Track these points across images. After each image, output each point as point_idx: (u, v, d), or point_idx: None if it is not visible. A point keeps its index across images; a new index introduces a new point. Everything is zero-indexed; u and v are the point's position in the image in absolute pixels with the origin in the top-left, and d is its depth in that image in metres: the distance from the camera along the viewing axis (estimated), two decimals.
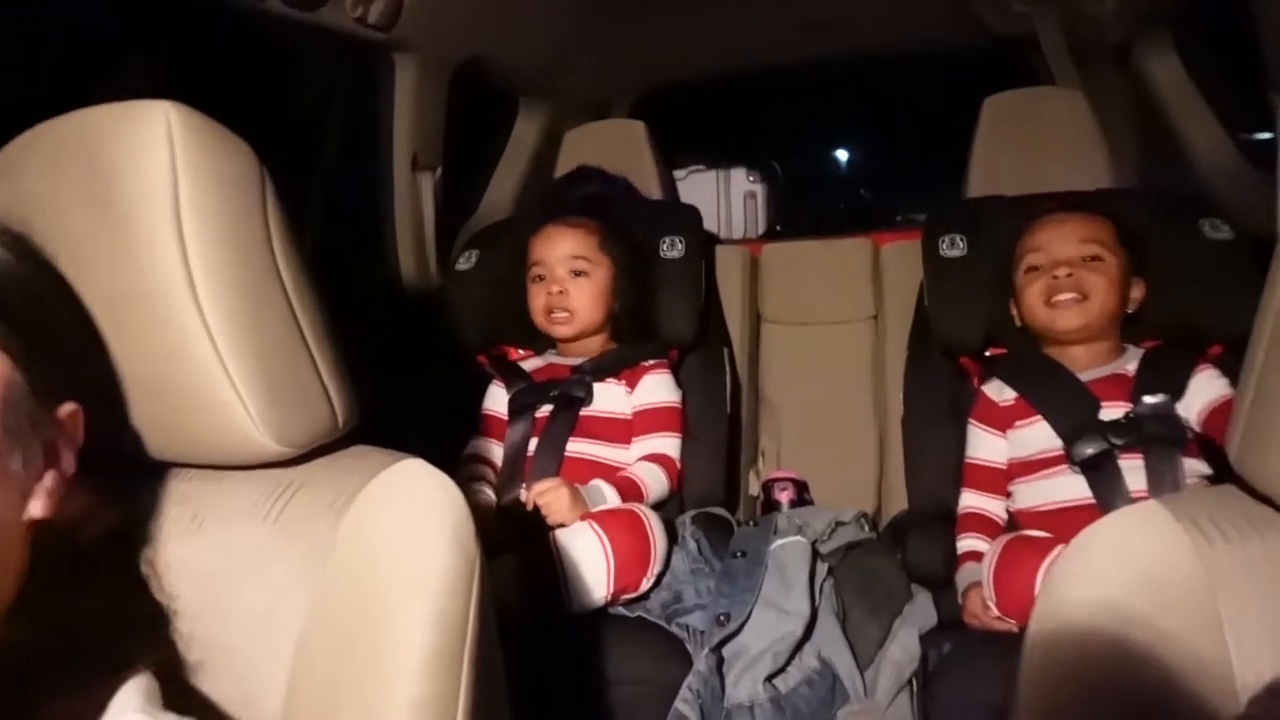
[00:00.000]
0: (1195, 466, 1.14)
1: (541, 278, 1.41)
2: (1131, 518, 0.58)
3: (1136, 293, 1.26)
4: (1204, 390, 1.17)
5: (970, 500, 1.27)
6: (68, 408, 0.51)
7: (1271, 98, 1.37)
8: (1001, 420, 1.27)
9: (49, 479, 0.49)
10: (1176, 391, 1.17)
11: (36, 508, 0.48)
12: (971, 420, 1.31)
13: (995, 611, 1.08)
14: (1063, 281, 1.22)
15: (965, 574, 1.19)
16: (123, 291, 0.55)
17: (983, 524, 1.24)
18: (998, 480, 1.26)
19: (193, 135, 0.55)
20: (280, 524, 0.59)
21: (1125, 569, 0.55)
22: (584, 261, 1.39)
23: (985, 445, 1.28)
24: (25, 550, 0.48)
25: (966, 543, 1.23)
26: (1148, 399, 1.17)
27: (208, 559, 0.60)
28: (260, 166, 0.60)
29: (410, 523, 0.56)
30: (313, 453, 0.63)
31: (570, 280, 1.39)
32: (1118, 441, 1.14)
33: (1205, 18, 1.65)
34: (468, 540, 0.57)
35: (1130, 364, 1.23)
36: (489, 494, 1.33)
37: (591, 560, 1.11)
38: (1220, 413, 1.13)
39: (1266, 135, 1.89)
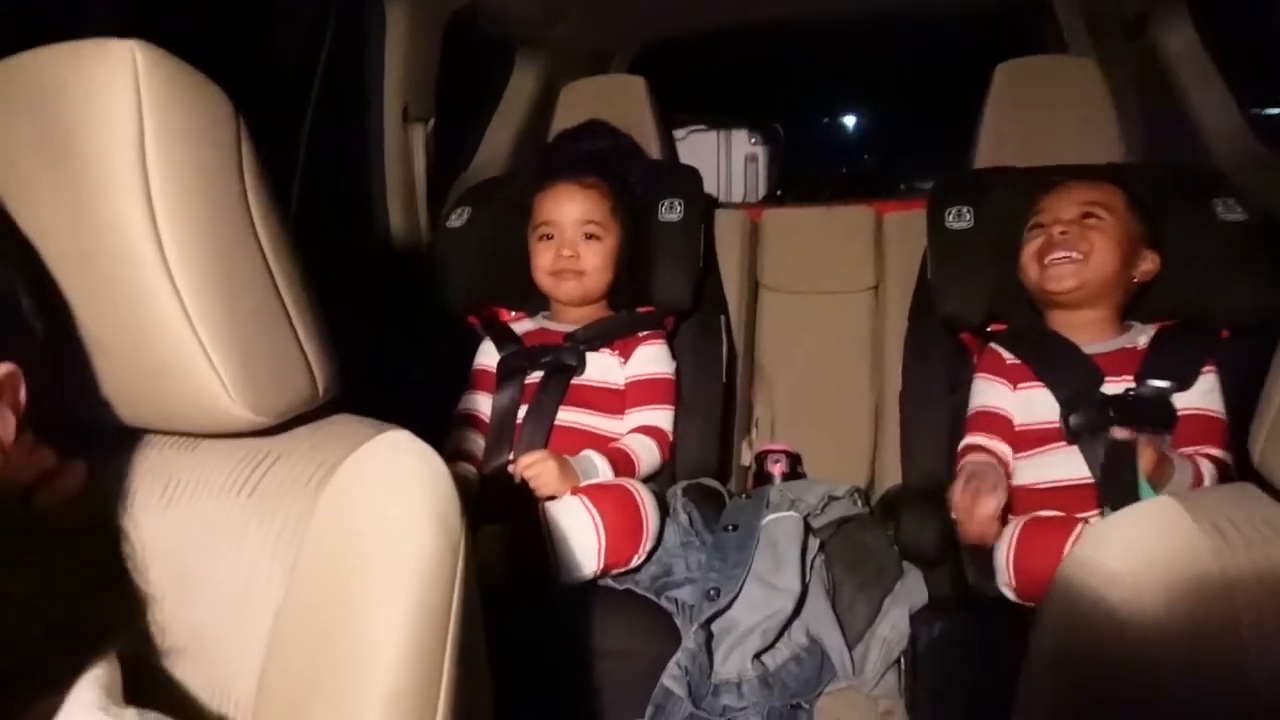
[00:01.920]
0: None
1: (550, 237, 1.36)
2: (1146, 516, 0.55)
3: (1148, 265, 1.22)
4: (1194, 395, 1.15)
5: (972, 439, 1.24)
6: (4, 368, 0.47)
7: None
8: (1011, 375, 1.24)
9: None
10: (1185, 381, 1.15)
11: None
12: (979, 374, 1.28)
13: (980, 524, 1.07)
14: (1057, 238, 1.20)
15: (967, 463, 1.17)
16: (83, 248, 0.51)
17: (977, 449, 1.22)
18: (1004, 427, 1.22)
19: (161, 78, 0.51)
20: (256, 497, 0.56)
21: (1139, 569, 0.53)
22: (596, 226, 1.35)
23: (993, 393, 1.25)
24: None
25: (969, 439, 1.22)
26: (1154, 381, 1.15)
27: (179, 533, 0.57)
28: (236, 114, 0.56)
29: (392, 501, 0.53)
30: (292, 421, 0.59)
31: (582, 243, 1.35)
32: (1115, 415, 1.13)
33: None
34: (452, 519, 0.54)
35: (1141, 338, 1.21)
36: (472, 467, 1.30)
37: (582, 536, 1.09)
38: (1190, 423, 1.13)
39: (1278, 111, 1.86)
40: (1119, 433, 1.11)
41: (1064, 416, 1.16)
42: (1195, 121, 1.66)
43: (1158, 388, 1.15)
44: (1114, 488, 1.06)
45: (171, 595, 0.54)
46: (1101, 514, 1.08)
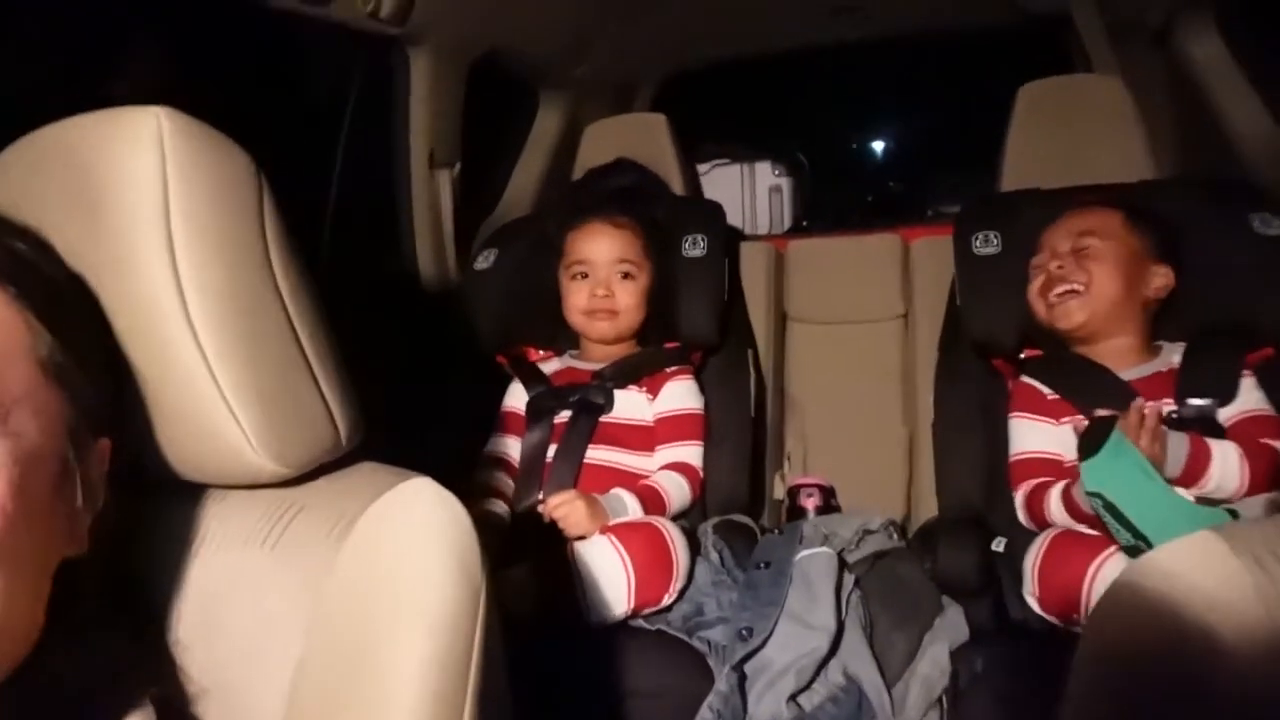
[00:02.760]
0: None
1: (584, 275, 1.37)
2: (1185, 551, 0.53)
3: (1159, 280, 1.20)
4: (1237, 400, 1.13)
5: (1029, 485, 1.19)
6: (104, 442, 0.49)
7: None
8: (1052, 411, 1.21)
9: (87, 515, 0.48)
10: (1225, 395, 1.12)
11: (73, 544, 0.47)
12: (1015, 413, 1.25)
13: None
14: (1054, 273, 1.20)
15: (1054, 498, 1.13)
16: (111, 305, 0.53)
17: (1046, 484, 1.17)
18: (1055, 471, 1.18)
19: (185, 141, 0.53)
20: (279, 549, 0.57)
21: (1179, 607, 0.51)
22: (631, 265, 1.36)
23: (1036, 434, 1.21)
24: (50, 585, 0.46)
25: (1030, 483, 1.17)
26: (1193, 401, 1.13)
27: (205, 583, 0.58)
28: (258, 174, 0.57)
29: (412, 552, 0.53)
30: (315, 471, 0.60)
31: (617, 282, 1.36)
32: None
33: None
34: (473, 569, 0.54)
35: (1174, 357, 1.19)
36: (503, 504, 1.30)
37: (611, 576, 1.08)
38: (1244, 425, 1.11)
39: None
40: (1101, 411, 1.11)
41: None
42: (1228, 134, 1.63)
43: (1200, 406, 1.12)
44: (1087, 447, 1.05)
45: (198, 643, 0.55)
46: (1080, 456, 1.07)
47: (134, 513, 0.60)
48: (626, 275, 1.36)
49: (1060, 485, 1.14)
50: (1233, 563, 0.51)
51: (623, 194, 1.47)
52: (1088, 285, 1.18)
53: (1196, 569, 0.52)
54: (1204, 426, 1.11)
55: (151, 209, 0.51)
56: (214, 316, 0.53)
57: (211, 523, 0.60)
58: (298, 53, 1.57)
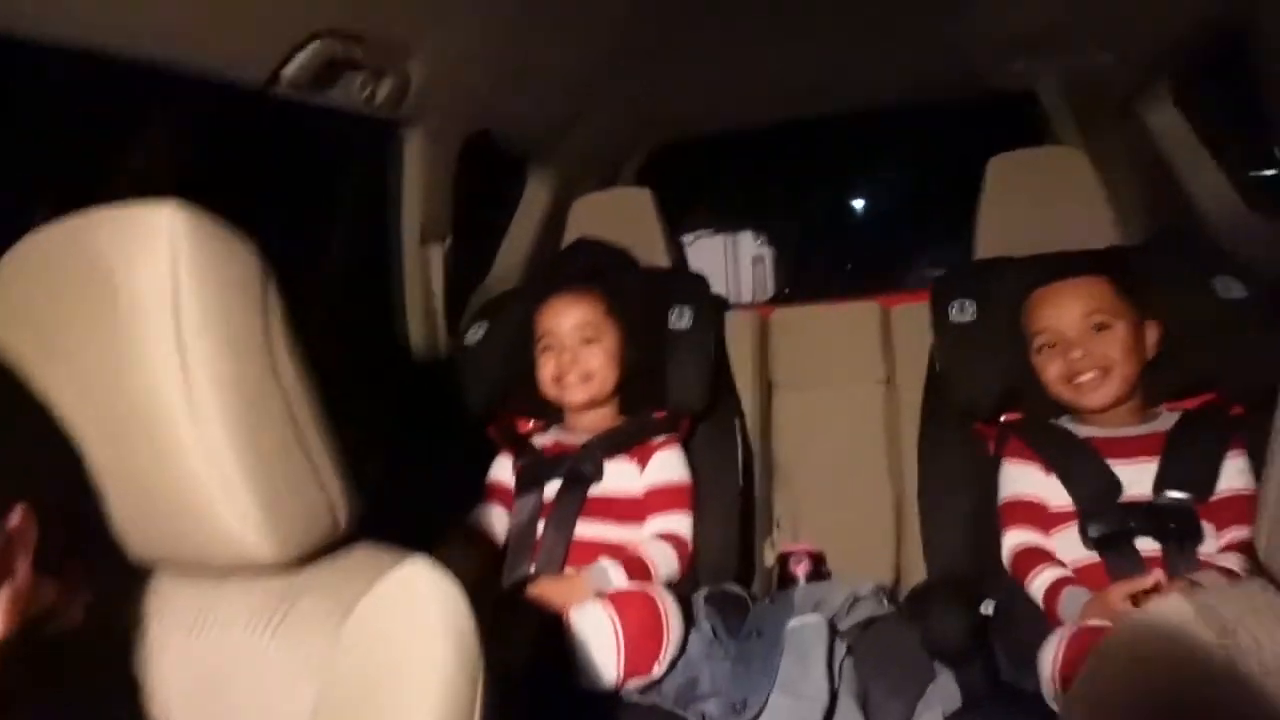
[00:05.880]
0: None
1: (550, 348, 1.41)
2: (1157, 621, 0.55)
3: (1152, 336, 1.24)
4: (1224, 478, 1.15)
5: (1021, 538, 1.21)
6: (17, 513, 0.49)
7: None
8: (1038, 460, 1.24)
9: (2, 596, 0.47)
10: (1205, 485, 1.14)
11: None
12: (1009, 459, 1.27)
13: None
14: (1079, 362, 1.21)
15: (1069, 601, 1.10)
16: (119, 396, 0.55)
17: (1047, 557, 1.18)
18: (1039, 516, 1.20)
19: (195, 239, 0.56)
20: (279, 634, 0.58)
21: (1151, 675, 0.53)
22: (592, 328, 1.40)
23: (1025, 479, 1.23)
24: None
25: (1047, 574, 1.15)
26: (1171, 493, 1.14)
27: (204, 668, 0.58)
28: (263, 266, 0.60)
29: (412, 636, 0.55)
30: (314, 554, 0.61)
31: (581, 348, 1.39)
32: (1135, 525, 1.13)
33: (1208, 69, 1.66)
34: (470, 651, 0.55)
35: (1164, 427, 1.21)
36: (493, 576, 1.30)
37: (601, 642, 1.09)
38: (1230, 505, 1.13)
39: (1271, 172, 1.89)
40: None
41: (1082, 527, 1.16)
42: (1188, 200, 1.69)
43: (1178, 499, 1.14)
44: None
45: None
46: None
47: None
48: (589, 340, 1.39)
49: (1056, 578, 1.15)
50: (1200, 630, 0.53)
51: (586, 272, 1.52)
52: (1110, 368, 1.20)
53: (1168, 638, 0.54)
54: (1180, 518, 1.13)
55: (162, 306, 0.54)
56: (219, 410, 0.55)
57: (211, 606, 0.61)
58: (294, 129, 1.62)
